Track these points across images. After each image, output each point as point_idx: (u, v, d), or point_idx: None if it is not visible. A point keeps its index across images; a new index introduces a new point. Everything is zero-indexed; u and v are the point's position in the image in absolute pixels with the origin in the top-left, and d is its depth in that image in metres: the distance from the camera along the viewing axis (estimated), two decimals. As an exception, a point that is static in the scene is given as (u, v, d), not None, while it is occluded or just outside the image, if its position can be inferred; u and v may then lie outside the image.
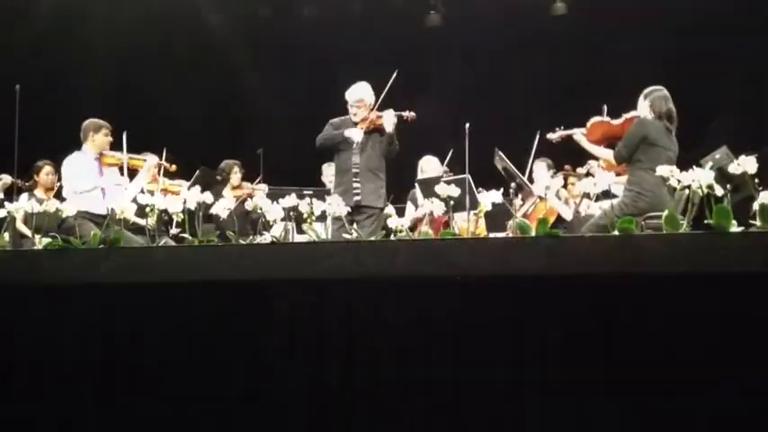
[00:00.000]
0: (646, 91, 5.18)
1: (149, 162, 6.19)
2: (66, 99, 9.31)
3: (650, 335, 3.58)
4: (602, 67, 8.60)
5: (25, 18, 9.18)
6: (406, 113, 6.13)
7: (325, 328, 3.92)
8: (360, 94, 6.18)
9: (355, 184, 6.02)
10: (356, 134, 6.04)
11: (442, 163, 7.18)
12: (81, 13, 9.33)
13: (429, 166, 7.06)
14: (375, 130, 6.13)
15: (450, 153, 7.16)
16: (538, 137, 6.47)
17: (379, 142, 6.13)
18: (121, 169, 6.18)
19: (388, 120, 6.05)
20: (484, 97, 9.30)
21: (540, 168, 6.93)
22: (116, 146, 6.15)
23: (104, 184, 5.91)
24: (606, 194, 5.55)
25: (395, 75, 6.19)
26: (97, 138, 6.00)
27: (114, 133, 6.12)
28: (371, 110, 6.17)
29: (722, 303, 3.52)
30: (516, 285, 3.74)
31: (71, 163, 5.95)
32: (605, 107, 5.51)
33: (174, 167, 6.54)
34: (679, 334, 3.54)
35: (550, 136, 5.77)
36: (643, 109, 5.13)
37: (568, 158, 6.75)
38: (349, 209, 5.13)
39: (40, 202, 4.80)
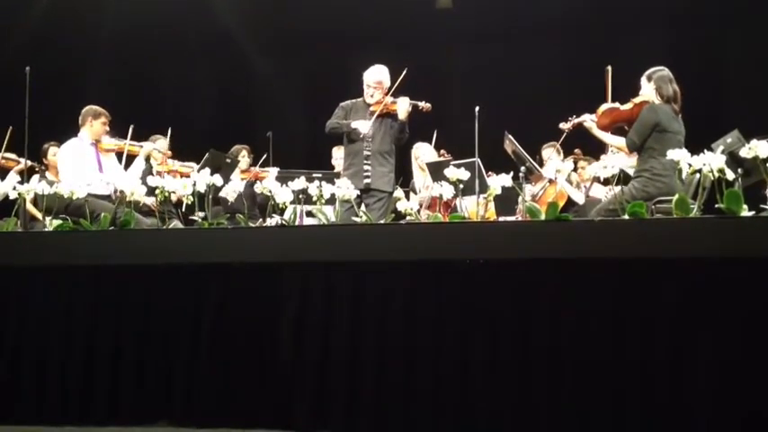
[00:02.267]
0: (648, 72, 5.13)
1: (145, 149, 6.31)
2: (75, 83, 9.32)
3: (661, 320, 3.57)
4: (614, 50, 8.53)
5: (37, 2, 9.17)
6: (421, 104, 6.09)
7: (335, 310, 3.93)
8: (379, 75, 6.17)
9: (366, 167, 6.01)
10: (363, 126, 6.01)
11: (445, 149, 7.17)
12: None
13: (424, 152, 7.04)
14: (388, 115, 6.12)
15: (434, 135, 7.14)
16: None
17: (390, 127, 6.12)
18: (119, 156, 6.24)
19: (402, 107, 6.03)
20: (494, 80, 9.26)
21: (549, 153, 6.91)
22: (121, 135, 6.23)
23: (100, 174, 5.97)
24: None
25: (404, 72, 6.16)
26: (95, 124, 6.11)
27: (122, 121, 6.18)
28: (386, 94, 6.16)
29: (734, 287, 3.51)
30: (526, 269, 3.74)
31: (68, 151, 6.05)
32: (609, 68, 5.45)
33: (169, 154, 6.61)
34: (692, 317, 3.54)
35: (563, 126, 5.75)
36: (648, 91, 5.09)
37: (579, 142, 6.72)
38: (358, 192, 5.14)
39: (51, 184, 4.81)
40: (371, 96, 6.14)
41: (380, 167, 6.05)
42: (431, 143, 7.16)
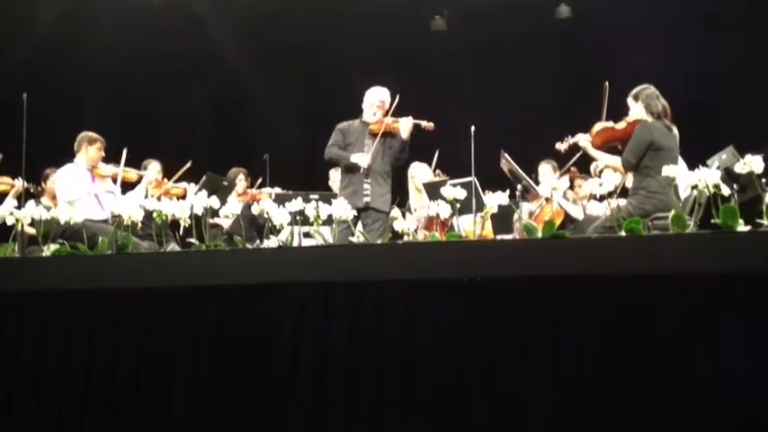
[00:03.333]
0: (634, 92, 5.15)
1: (148, 176, 6.33)
2: (71, 107, 9.35)
3: (659, 335, 3.57)
4: (605, 69, 8.58)
5: (31, 26, 9.21)
6: (424, 123, 6.13)
7: (332, 330, 3.92)
8: (382, 95, 6.26)
9: (365, 186, 6.04)
10: (362, 159, 6.03)
11: (441, 169, 7.19)
12: (86, 21, 9.35)
13: (420, 172, 7.06)
14: (388, 135, 6.15)
15: (436, 155, 7.17)
16: None
17: (390, 147, 6.15)
18: (114, 180, 6.27)
19: (405, 126, 6.07)
20: (489, 100, 9.30)
21: (546, 170, 6.93)
22: (115, 159, 6.26)
23: (96, 190, 6.00)
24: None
25: (398, 97, 6.21)
26: (90, 150, 6.15)
27: (117, 145, 6.21)
28: (385, 114, 6.19)
29: (729, 303, 3.51)
30: (524, 287, 3.74)
31: (63, 174, 6.07)
32: (607, 84, 5.48)
33: (167, 182, 6.64)
34: (689, 334, 3.53)
35: (559, 146, 5.78)
36: (637, 110, 5.11)
37: (574, 160, 6.74)
38: (355, 212, 5.14)
39: (47, 209, 4.82)
40: (374, 115, 6.17)
41: (379, 187, 6.08)
42: (430, 164, 7.17)
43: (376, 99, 6.21)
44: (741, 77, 8.49)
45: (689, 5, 8.66)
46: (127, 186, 6.40)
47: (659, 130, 4.99)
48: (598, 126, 5.30)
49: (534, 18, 9.35)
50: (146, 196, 6.21)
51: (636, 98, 5.12)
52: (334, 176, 7.24)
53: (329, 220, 4.66)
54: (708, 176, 3.75)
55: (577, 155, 6.29)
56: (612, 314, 3.64)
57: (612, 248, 3.74)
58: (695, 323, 3.54)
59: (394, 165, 6.24)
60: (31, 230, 5.82)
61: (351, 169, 6.12)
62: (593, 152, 5.32)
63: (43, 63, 9.23)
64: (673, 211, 3.88)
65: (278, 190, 7.17)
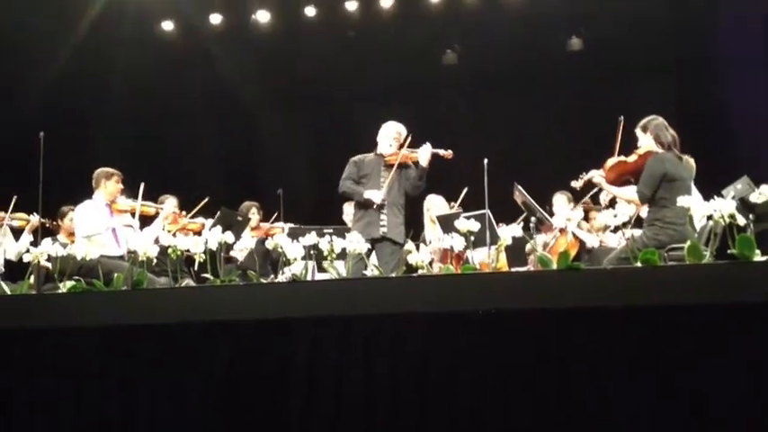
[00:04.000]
0: (642, 123, 5.16)
1: (166, 211, 6.34)
2: (86, 145, 9.44)
3: (677, 366, 3.53)
4: (617, 100, 8.62)
5: (46, 65, 9.34)
6: (442, 151, 6.16)
7: (347, 366, 3.90)
8: (399, 127, 6.33)
9: (382, 216, 6.05)
10: (376, 196, 6.05)
11: (456, 200, 7.19)
12: (100, 60, 9.48)
13: (436, 204, 7.07)
14: (403, 166, 6.18)
15: (464, 191, 7.16)
16: None
17: (406, 178, 6.18)
18: (132, 214, 6.29)
19: (424, 154, 6.12)
20: (501, 133, 9.33)
21: (560, 201, 6.93)
22: (132, 193, 6.28)
23: (114, 224, 6.03)
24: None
25: (408, 137, 6.27)
26: (109, 185, 6.16)
27: (132, 181, 6.24)
28: (400, 147, 6.23)
29: (748, 332, 3.48)
30: (539, 319, 3.72)
31: (82, 210, 6.09)
32: (621, 118, 5.50)
33: (184, 214, 6.66)
34: (707, 364, 3.50)
35: (574, 184, 5.80)
36: (647, 142, 5.11)
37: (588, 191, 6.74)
38: (369, 245, 5.14)
39: (64, 246, 4.85)
40: (390, 147, 6.20)
41: (395, 218, 6.10)
42: (456, 200, 7.16)
43: (393, 131, 6.27)
44: (755, 107, 8.50)
45: (696, 37, 8.70)
46: (145, 220, 6.43)
47: (671, 161, 4.98)
48: (611, 161, 5.31)
49: (546, 51, 9.40)
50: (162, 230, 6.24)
51: (644, 129, 5.13)
52: (348, 210, 7.25)
53: (343, 254, 4.66)
54: (723, 206, 3.73)
55: (593, 190, 6.29)
56: (629, 346, 3.61)
57: (628, 280, 3.71)
58: (713, 354, 3.50)
59: (412, 194, 6.26)
60: (47, 263, 5.88)
61: (364, 204, 6.13)
62: (607, 187, 5.33)
63: (58, 102, 9.34)
64: (688, 242, 3.85)
65: (291, 225, 7.19)
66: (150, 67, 9.66)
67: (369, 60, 9.63)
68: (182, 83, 10.01)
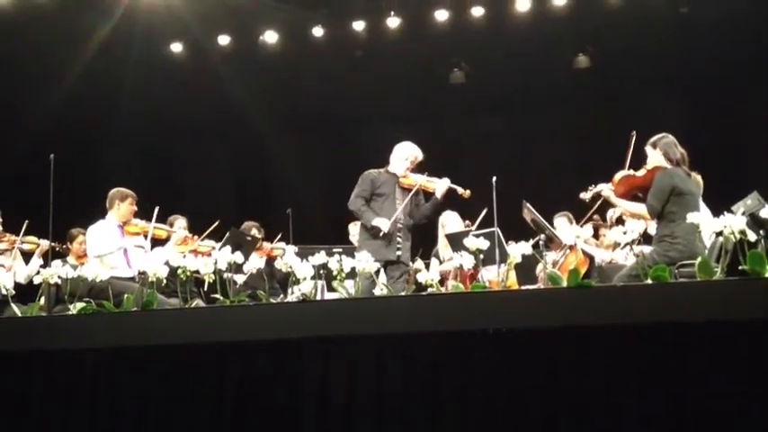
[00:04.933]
0: (652, 140, 5.18)
1: (178, 235, 6.35)
2: (95, 166, 9.48)
3: (690, 383, 3.51)
4: (625, 117, 8.62)
5: (57, 87, 9.40)
6: (460, 189, 6.15)
7: (358, 384, 3.89)
8: (416, 151, 6.26)
9: (399, 239, 6.03)
10: (384, 225, 6.02)
11: (473, 221, 7.15)
12: (110, 82, 9.54)
13: (450, 221, 7.05)
14: (416, 192, 6.15)
15: (483, 212, 7.12)
16: None
17: (416, 204, 6.16)
18: (145, 236, 6.30)
19: (441, 188, 6.11)
20: (509, 151, 9.33)
21: (562, 223, 6.90)
22: (144, 215, 6.29)
23: (125, 244, 6.04)
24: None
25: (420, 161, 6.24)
26: (122, 206, 6.15)
27: (141, 202, 6.25)
28: (412, 170, 6.21)
29: (760, 349, 3.45)
30: (550, 337, 3.70)
31: (94, 231, 6.10)
32: (633, 133, 5.50)
33: (196, 239, 6.66)
34: (719, 381, 3.47)
35: (583, 196, 5.76)
36: (656, 158, 5.13)
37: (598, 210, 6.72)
38: (379, 264, 5.13)
39: (74, 268, 4.86)
40: (405, 169, 6.18)
41: (407, 242, 6.13)
42: (476, 219, 7.12)
43: (410, 154, 6.22)
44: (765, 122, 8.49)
45: (705, 51, 8.69)
46: (156, 243, 6.43)
47: (680, 176, 4.99)
48: (620, 175, 5.32)
49: (553, 69, 9.42)
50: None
51: (654, 146, 5.15)
52: (353, 230, 7.23)
53: (353, 274, 4.65)
54: (733, 222, 3.72)
55: (597, 203, 6.26)
56: (640, 363, 3.59)
57: (639, 297, 3.70)
58: (726, 370, 3.48)
59: (417, 222, 6.23)
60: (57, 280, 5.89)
61: (370, 229, 6.10)
62: (615, 201, 5.33)
63: (67, 123, 9.39)
64: (699, 259, 3.84)
65: (293, 246, 7.16)
66: (159, 88, 9.72)
67: (376, 80, 9.66)
68: (191, 104, 10.06)
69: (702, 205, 5.10)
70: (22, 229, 6.72)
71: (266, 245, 7.36)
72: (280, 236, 7.52)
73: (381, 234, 5.98)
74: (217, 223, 6.88)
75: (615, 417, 3.56)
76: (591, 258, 6.69)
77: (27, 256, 6.87)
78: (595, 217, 6.94)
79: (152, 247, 6.34)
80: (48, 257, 6.38)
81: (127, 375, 4.16)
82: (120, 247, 6.04)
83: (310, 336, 4.00)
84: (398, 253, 6.01)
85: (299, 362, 3.99)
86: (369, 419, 3.85)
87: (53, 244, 6.51)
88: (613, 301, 3.72)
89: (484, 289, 4.29)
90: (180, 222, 6.92)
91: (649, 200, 5.02)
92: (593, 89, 9.45)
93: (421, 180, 6.17)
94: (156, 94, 9.72)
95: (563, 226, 6.90)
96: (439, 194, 6.13)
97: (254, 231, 7.46)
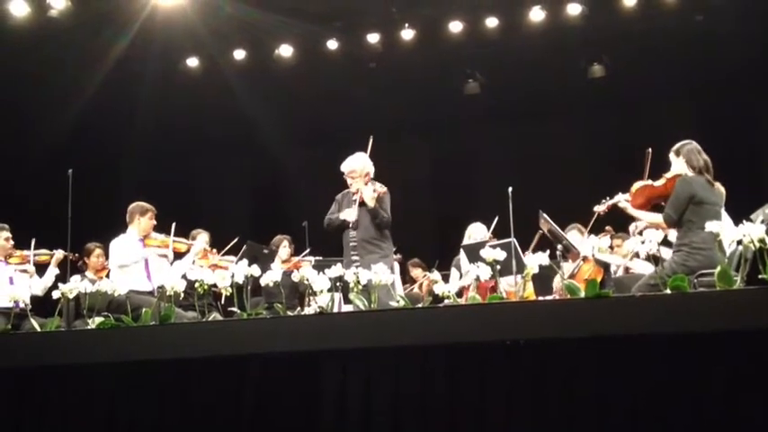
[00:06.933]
0: (676, 147, 5.11)
1: (197, 247, 6.38)
2: (112, 180, 9.54)
3: (712, 393, 3.48)
4: (640, 126, 8.59)
5: (72, 104, 9.47)
6: (377, 185, 6.06)
7: (375, 396, 3.88)
8: (351, 164, 6.17)
9: (354, 257, 5.93)
10: (350, 214, 5.99)
11: (488, 230, 7.14)
12: (126, 96, 9.61)
13: (477, 232, 7.03)
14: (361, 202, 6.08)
15: (495, 220, 7.11)
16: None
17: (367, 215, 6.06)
18: (165, 249, 6.33)
19: (367, 195, 6.02)
20: (525, 161, 9.31)
21: (574, 235, 6.86)
22: (163, 231, 6.33)
23: (148, 254, 6.08)
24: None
25: (371, 141, 6.15)
26: (143, 221, 6.21)
27: (157, 216, 6.29)
28: (366, 182, 6.13)
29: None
30: (568, 348, 3.69)
31: (117, 243, 6.16)
32: (650, 150, 5.45)
33: (214, 252, 6.68)
34: (741, 391, 3.44)
35: (597, 208, 5.69)
36: (679, 165, 5.06)
37: (610, 221, 6.68)
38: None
39: (92, 282, 4.89)
40: (351, 185, 6.14)
41: (369, 255, 5.92)
42: (489, 228, 7.10)
43: (346, 170, 6.17)
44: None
45: (721, 60, 8.66)
46: (176, 257, 6.46)
47: (700, 184, 4.92)
48: (637, 185, 5.25)
49: (568, 78, 9.41)
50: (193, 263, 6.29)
51: (677, 153, 5.08)
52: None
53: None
54: (752, 231, 3.69)
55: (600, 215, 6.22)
56: (661, 373, 3.56)
57: (658, 307, 3.67)
58: (747, 380, 3.45)
59: (378, 230, 6.04)
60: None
61: (344, 241, 6.03)
62: (633, 212, 5.25)
63: (83, 138, 9.45)
64: (719, 268, 3.81)
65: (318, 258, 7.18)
66: (176, 102, 9.77)
67: (391, 91, 9.67)
68: (206, 118, 10.11)
69: (725, 215, 5.04)
70: (32, 245, 6.72)
71: (294, 258, 7.37)
72: (308, 250, 7.52)
73: (351, 224, 5.95)
74: (236, 240, 6.90)
75: (635, 428, 3.54)
76: (605, 268, 6.65)
77: (41, 268, 6.88)
78: (607, 228, 6.90)
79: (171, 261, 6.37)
80: (65, 268, 6.42)
81: (145, 389, 4.17)
82: (143, 257, 6.09)
83: (327, 348, 4.00)
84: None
85: (317, 375, 3.99)
86: (386, 430, 3.84)
87: (66, 253, 6.55)
88: (632, 312, 3.70)
89: (501, 300, 4.27)
90: (202, 237, 6.95)
91: (667, 208, 4.96)
92: (607, 98, 9.42)
93: (361, 190, 6.05)
94: (172, 108, 9.78)
95: (574, 239, 6.86)
96: (367, 201, 5.99)
97: (285, 244, 7.46)
